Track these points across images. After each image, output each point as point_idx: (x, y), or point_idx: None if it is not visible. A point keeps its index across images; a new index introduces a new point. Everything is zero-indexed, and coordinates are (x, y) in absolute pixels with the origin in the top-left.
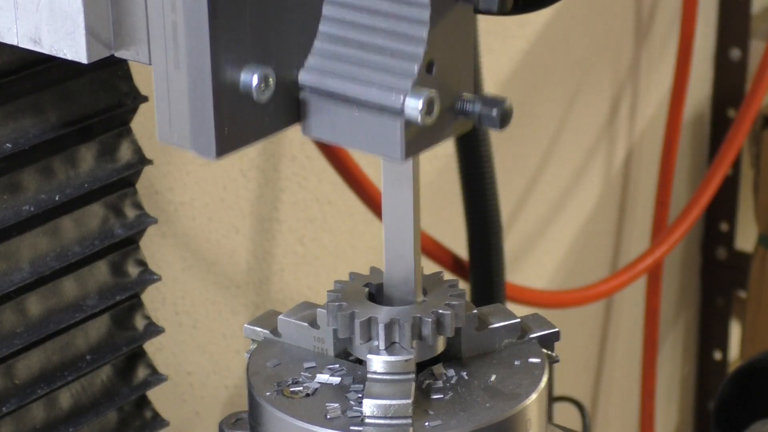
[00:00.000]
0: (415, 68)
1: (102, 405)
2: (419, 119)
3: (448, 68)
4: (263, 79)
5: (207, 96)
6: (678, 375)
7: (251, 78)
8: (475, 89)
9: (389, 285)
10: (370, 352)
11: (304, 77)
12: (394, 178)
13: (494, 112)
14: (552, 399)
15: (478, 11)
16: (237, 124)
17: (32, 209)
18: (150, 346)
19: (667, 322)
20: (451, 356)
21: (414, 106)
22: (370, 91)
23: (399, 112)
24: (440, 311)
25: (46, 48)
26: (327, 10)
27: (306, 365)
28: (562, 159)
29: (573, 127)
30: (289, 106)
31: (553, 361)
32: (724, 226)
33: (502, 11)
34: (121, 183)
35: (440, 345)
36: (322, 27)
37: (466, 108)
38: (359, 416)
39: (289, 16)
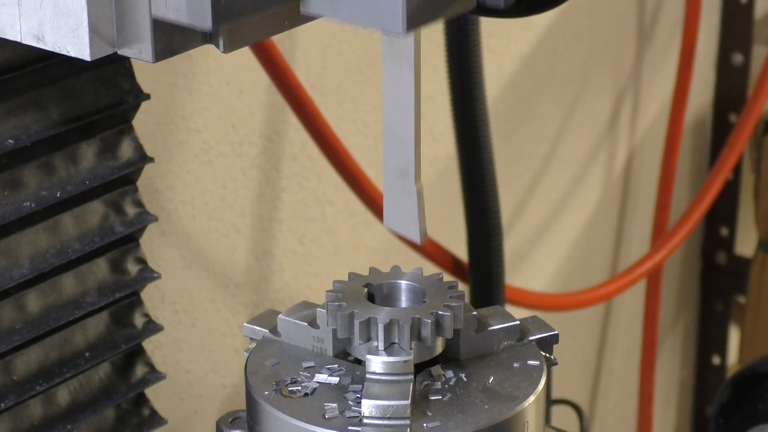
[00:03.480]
0: None
1: (100, 402)
2: None
3: None
4: None
5: None
6: (676, 379)
7: None
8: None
9: (388, 169)
10: (369, 353)
11: None
12: (394, 57)
13: None
14: (550, 402)
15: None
16: None
17: (33, 206)
18: (149, 344)
19: (666, 326)
20: (450, 358)
21: None
22: None
23: None
24: (439, 312)
25: (49, 45)
26: None
27: (305, 365)
28: (563, 162)
29: (574, 131)
30: None
31: (551, 363)
32: (724, 231)
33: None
34: (121, 180)
35: (439, 346)
36: None
37: None
38: (357, 416)
39: None
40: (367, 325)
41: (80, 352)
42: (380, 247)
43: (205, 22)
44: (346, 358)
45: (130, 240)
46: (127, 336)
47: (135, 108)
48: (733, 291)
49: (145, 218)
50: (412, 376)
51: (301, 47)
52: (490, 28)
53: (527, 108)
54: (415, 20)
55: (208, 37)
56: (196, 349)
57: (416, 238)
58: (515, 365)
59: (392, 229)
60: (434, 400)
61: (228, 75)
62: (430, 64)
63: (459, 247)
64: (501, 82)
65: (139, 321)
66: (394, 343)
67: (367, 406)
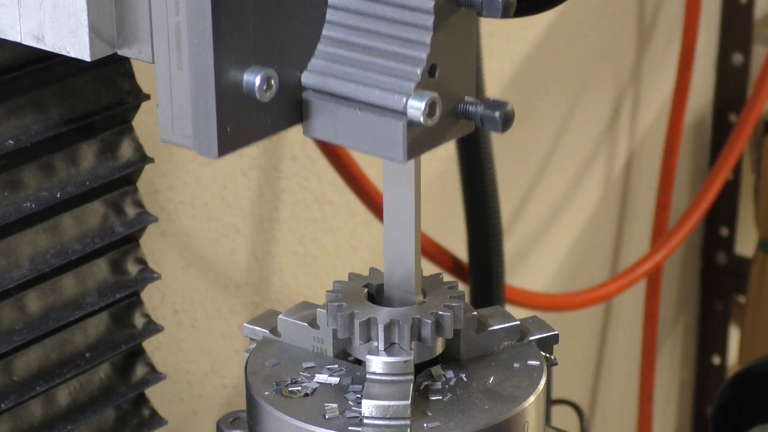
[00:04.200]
0: (418, 72)
1: (100, 403)
2: (422, 120)
3: (451, 72)
4: (266, 80)
5: (210, 96)
6: (676, 379)
7: (254, 79)
8: (478, 92)
9: (389, 286)
10: (370, 353)
11: (307, 78)
12: (395, 179)
13: (497, 114)
14: (550, 402)
15: (481, 16)
16: (239, 123)
17: (33, 206)
18: (149, 345)
19: (666, 327)
20: (450, 358)
21: (417, 107)
22: (372, 92)
23: (402, 113)
24: (439, 313)
25: (49, 45)
26: (331, 15)
27: (305, 365)
28: (563, 162)
29: (574, 131)
30: (292, 107)
31: (551, 364)
32: (724, 231)
33: (506, 16)
34: (121, 181)
35: (439, 346)
36: (326, 31)
37: (468, 110)
38: (358, 417)
39: (292, 19)
40: (368, 325)
41: (80, 353)
42: (380, 247)
43: (211, 153)
44: (347, 358)
45: (130, 240)
46: (127, 336)
47: (135, 108)
48: (733, 291)
49: (145, 218)
50: (412, 377)
51: None
52: (489, 28)
53: (527, 108)
54: (415, 148)
55: None
56: (196, 349)
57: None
58: (515, 365)
59: None
60: (434, 400)
61: None
62: None
63: (459, 247)
64: (500, 82)
65: (139, 321)
66: (394, 343)
67: (368, 407)
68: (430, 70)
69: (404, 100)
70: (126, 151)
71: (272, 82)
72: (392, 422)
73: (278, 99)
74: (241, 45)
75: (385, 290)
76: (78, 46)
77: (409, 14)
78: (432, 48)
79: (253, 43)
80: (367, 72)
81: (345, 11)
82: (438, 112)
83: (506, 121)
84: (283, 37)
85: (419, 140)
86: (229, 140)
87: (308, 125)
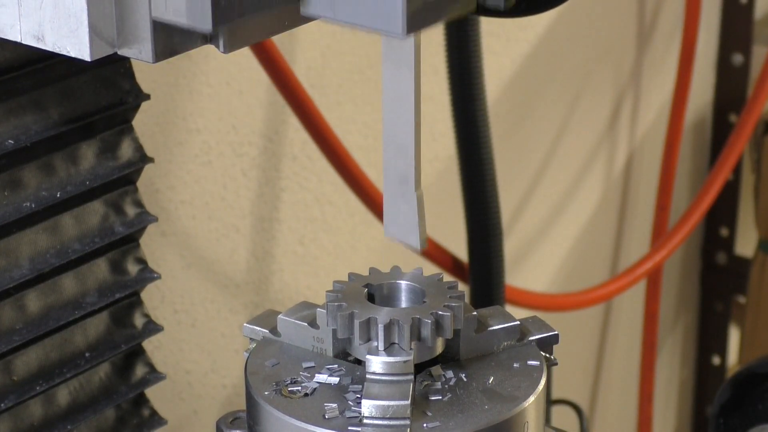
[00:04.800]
0: None
1: (100, 403)
2: None
3: None
4: None
5: None
6: (676, 379)
7: None
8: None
9: (388, 174)
10: (369, 353)
11: None
12: (394, 58)
13: None
14: (550, 402)
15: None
16: None
17: (33, 206)
18: (149, 345)
19: (666, 327)
20: (450, 358)
21: None
22: None
23: None
24: (439, 313)
25: (49, 45)
26: None
27: (305, 365)
28: (563, 162)
29: (574, 131)
30: None
31: (551, 364)
32: (724, 231)
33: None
34: (121, 181)
35: (439, 346)
36: None
37: None
38: (357, 417)
39: None
40: (367, 325)
41: (80, 353)
42: (380, 247)
43: (205, 23)
44: (346, 358)
45: (130, 240)
46: (127, 336)
47: (135, 108)
48: (733, 291)
49: (145, 218)
50: (412, 377)
51: (301, 47)
52: (490, 28)
53: (527, 108)
54: (415, 23)
55: (208, 38)
56: (196, 349)
57: (416, 246)
58: (515, 365)
59: (393, 237)
60: (434, 400)
61: (228, 75)
62: (430, 64)
63: (459, 247)
64: (501, 83)
65: (139, 321)
66: (394, 343)
67: (367, 407)
68: None
69: None
70: (126, 151)
71: None
72: (392, 422)
73: None
74: None
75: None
76: (78, 46)
77: None
78: None
79: None
80: None
81: None
82: None
83: None
84: None
85: (419, 13)
86: (223, 10)
87: (306, 2)
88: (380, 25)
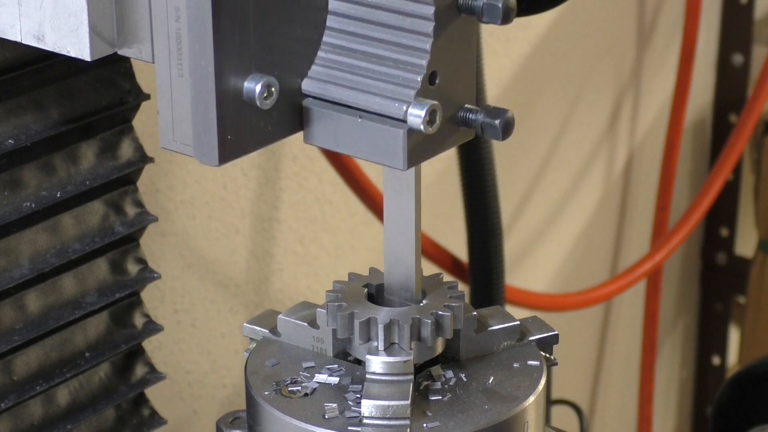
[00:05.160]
0: (419, 79)
1: (100, 402)
2: (422, 128)
3: (451, 79)
4: (266, 88)
5: (210, 104)
6: (676, 379)
7: (255, 86)
8: (478, 99)
9: (389, 289)
10: (369, 353)
11: (307, 86)
12: (395, 185)
13: (497, 122)
14: (550, 402)
15: (482, 23)
16: (240, 131)
17: (33, 206)
18: (149, 344)
19: (666, 327)
20: (450, 358)
21: (417, 115)
22: (373, 99)
23: (402, 121)
24: (439, 313)
25: (49, 45)
26: (331, 21)
27: (305, 365)
28: (563, 162)
29: (574, 131)
30: (292, 114)
31: (551, 364)
32: (724, 232)
33: (506, 23)
34: (121, 181)
35: (439, 346)
36: (326, 38)
37: (468, 117)
38: (357, 416)
39: (292, 26)
40: (367, 325)
41: (80, 352)
42: (380, 247)
43: (212, 160)
44: (346, 358)
45: (130, 240)
46: (127, 336)
47: (135, 108)
48: (733, 291)
49: (145, 218)
50: (412, 377)
51: None
52: (490, 29)
53: (527, 108)
54: (416, 156)
55: None
56: (196, 349)
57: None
58: (515, 365)
59: None
60: (434, 400)
61: None
62: None
63: (459, 247)
64: (501, 83)
65: (139, 321)
66: (394, 343)
67: (367, 407)
68: (431, 78)
69: (404, 108)
70: (126, 150)
71: (273, 89)
72: (392, 422)
73: (279, 106)
74: (241, 52)
75: (385, 293)
76: (78, 46)
77: (410, 21)
78: (432, 55)
79: (254, 49)
80: (367, 79)
81: (345, 17)
82: (438, 120)
83: (506, 129)
84: (284, 44)
85: (419, 148)
86: (229, 148)
87: (309, 132)
88: (382, 159)
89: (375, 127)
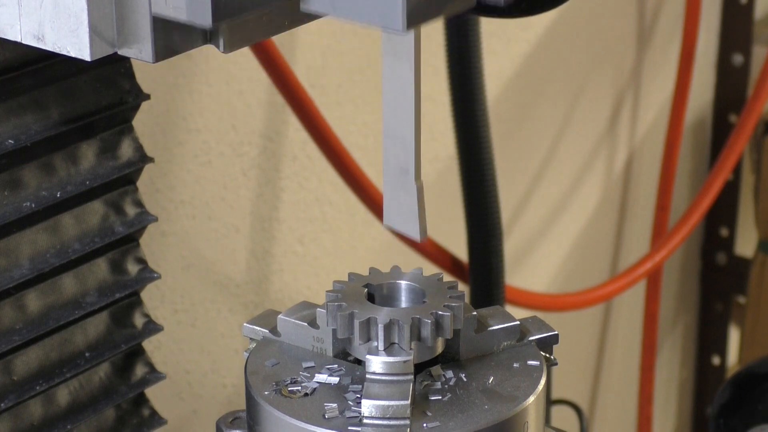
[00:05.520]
0: None
1: (100, 402)
2: None
3: None
4: None
5: None
6: (676, 379)
7: None
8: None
9: (388, 161)
10: (369, 353)
11: None
12: (394, 54)
13: None
14: (550, 402)
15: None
16: None
17: (33, 206)
18: (148, 344)
19: (666, 327)
20: (450, 358)
21: None
22: None
23: None
24: (439, 313)
25: (49, 45)
26: None
27: (305, 365)
28: (563, 162)
29: (574, 131)
30: None
31: (551, 364)
32: (724, 232)
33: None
34: (121, 180)
35: (439, 346)
36: None
37: None
38: (357, 416)
39: None
40: (367, 325)
41: (80, 352)
42: (380, 247)
43: (205, 19)
44: (346, 358)
45: (130, 240)
46: (127, 336)
47: (135, 108)
48: (733, 291)
49: (145, 218)
50: (412, 376)
51: (301, 47)
52: (490, 29)
53: (527, 108)
54: (415, 17)
55: (208, 38)
56: (196, 349)
57: (416, 236)
58: (515, 365)
59: (392, 228)
60: (434, 400)
61: (228, 75)
62: (430, 64)
63: (459, 247)
64: (501, 83)
65: (139, 321)
66: (393, 343)
67: (367, 406)
68: None
69: None
70: (126, 150)
71: None
72: (392, 422)
73: None
74: None
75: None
76: (78, 46)
77: None
78: None
79: None
80: None
81: None
82: None
83: None
84: None
85: (419, 8)
86: (222, 5)
87: None
88: (380, 21)
89: None
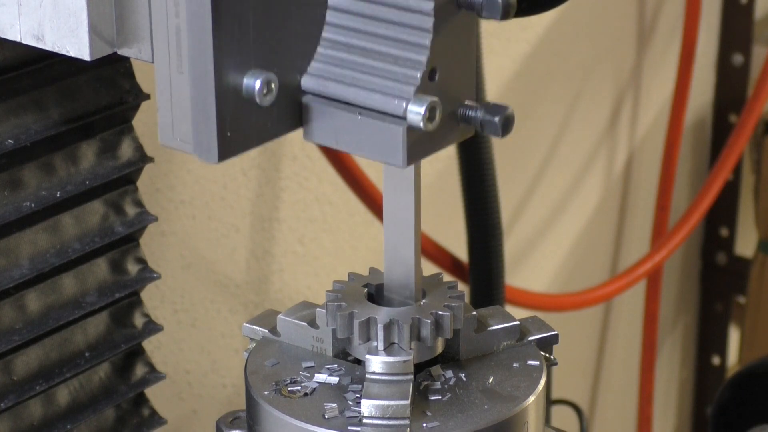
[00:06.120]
0: (418, 75)
1: (100, 402)
2: (421, 125)
3: (451, 75)
4: (266, 84)
5: (209, 100)
6: (676, 379)
7: (254, 83)
8: (478, 96)
9: (389, 288)
10: (369, 353)
11: (306, 82)
12: (395, 183)
13: (497, 119)
14: (550, 402)
15: (481, 18)
16: (239, 128)
17: (33, 206)
18: (148, 344)
19: (666, 327)
20: (450, 358)
21: (417, 112)
22: (372, 96)
23: (401, 117)
24: (439, 313)
25: (48, 45)
26: (330, 16)
27: (304, 365)
28: (563, 162)
29: (574, 131)
30: (292, 111)
31: (551, 364)
32: (724, 232)
33: (506, 18)
34: (121, 180)
35: (439, 346)
36: (326, 33)
37: (468, 114)
38: (357, 416)
39: (292, 22)
40: (367, 325)
41: (80, 352)
42: (380, 247)
43: (211, 157)
44: (346, 358)
45: (130, 240)
46: (127, 336)
47: (135, 108)
48: (733, 291)
49: (145, 218)
50: (411, 376)
51: None
52: (490, 29)
53: (527, 108)
54: (415, 153)
55: None
56: (196, 349)
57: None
58: (515, 365)
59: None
60: (434, 400)
61: None
62: None
63: (459, 247)
64: (500, 82)
65: (138, 321)
66: (393, 343)
67: (367, 406)
68: (430, 74)
69: (404, 104)
70: (126, 150)
71: (272, 85)
72: (391, 422)
73: (278, 103)
74: (241, 48)
75: (384, 292)
76: (78, 46)
77: (409, 16)
78: (432, 51)
79: (253, 46)
80: (367, 75)
81: (344, 13)
82: (438, 117)
83: (506, 126)
84: (283, 40)
85: (419, 145)
86: (229, 145)
87: (308, 129)
88: (382, 157)
89: (374, 124)
